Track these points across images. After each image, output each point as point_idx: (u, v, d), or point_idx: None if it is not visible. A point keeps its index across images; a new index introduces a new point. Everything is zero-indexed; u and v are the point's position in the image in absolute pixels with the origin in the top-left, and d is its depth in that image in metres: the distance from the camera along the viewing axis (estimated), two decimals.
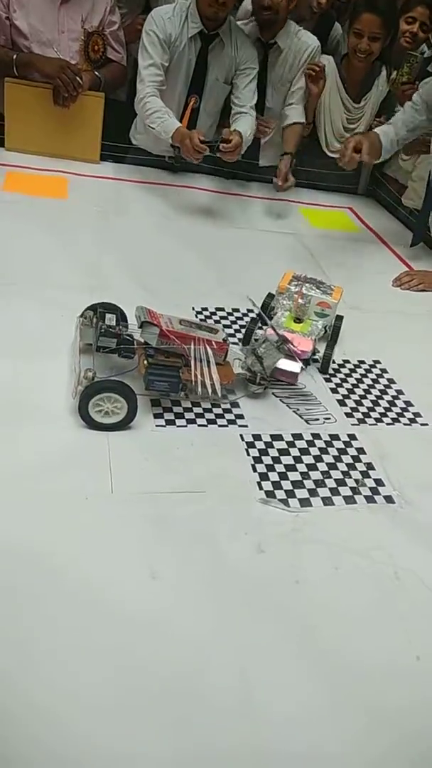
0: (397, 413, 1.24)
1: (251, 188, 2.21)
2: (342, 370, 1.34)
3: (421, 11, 2.05)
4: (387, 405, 1.25)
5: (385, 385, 1.31)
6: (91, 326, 1.13)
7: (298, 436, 1.12)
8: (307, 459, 1.07)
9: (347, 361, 1.37)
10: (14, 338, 1.20)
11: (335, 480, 1.04)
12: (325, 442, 1.12)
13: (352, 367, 1.36)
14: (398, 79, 2.02)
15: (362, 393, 1.28)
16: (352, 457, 1.10)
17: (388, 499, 1.02)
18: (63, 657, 0.72)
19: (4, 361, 1.13)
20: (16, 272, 1.43)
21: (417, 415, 1.24)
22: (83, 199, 1.86)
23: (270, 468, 1.04)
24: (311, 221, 2.09)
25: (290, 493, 1.00)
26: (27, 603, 0.76)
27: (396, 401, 1.27)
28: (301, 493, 1.00)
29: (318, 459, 1.08)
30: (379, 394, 1.28)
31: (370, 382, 1.31)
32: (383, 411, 1.23)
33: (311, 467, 1.06)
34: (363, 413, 1.22)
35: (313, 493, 1.01)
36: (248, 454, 1.06)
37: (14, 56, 1.92)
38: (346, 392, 1.27)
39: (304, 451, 1.09)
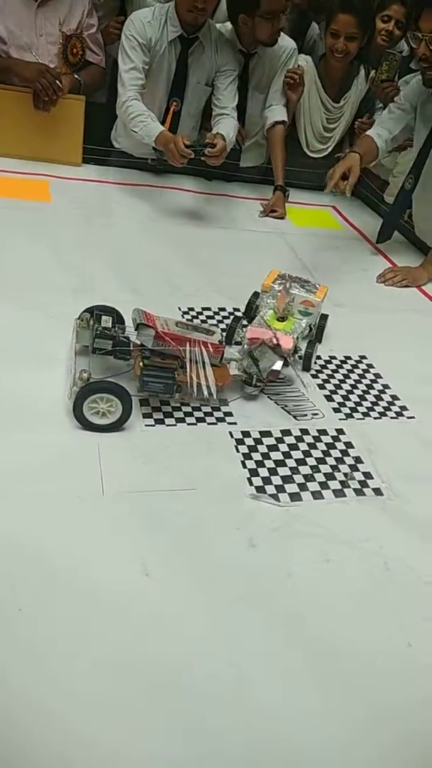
0: (383, 407, 1.25)
1: (233, 188, 2.22)
2: (329, 366, 1.35)
3: (396, 9, 2.08)
4: (374, 399, 1.27)
5: (371, 380, 1.33)
6: (88, 328, 1.14)
7: (286, 432, 1.13)
8: (296, 454, 1.08)
9: (333, 357, 1.38)
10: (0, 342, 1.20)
11: (324, 474, 1.05)
12: (313, 437, 1.13)
13: (339, 363, 1.37)
14: (378, 78, 2.04)
15: (349, 388, 1.29)
16: (341, 451, 1.11)
17: (377, 491, 1.04)
18: (57, 655, 0.72)
19: None
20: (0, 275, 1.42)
21: (403, 408, 1.25)
22: (66, 201, 1.86)
23: (260, 464, 1.05)
24: (295, 220, 2.10)
25: (280, 488, 1.01)
26: (20, 604, 0.76)
27: (383, 395, 1.28)
28: (291, 488, 1.01)
29: (307, 454, 1.09)
30: (365, 388, 1.30)
31: (357, 378, 1.33)
32: (370, 405, 1.25)
33: (300, 462, 1.07)
34: (350, 408, 1.23)
35: (302, 487, 1.02)
36: (237, 451, 1.07)
37: None
38: (333, 388, 1.28)
39: (293, 447, 1.10)
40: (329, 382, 1.30)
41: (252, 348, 1.16)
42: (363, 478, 1.06)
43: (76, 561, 0.83)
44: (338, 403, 1.24)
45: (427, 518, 1.00)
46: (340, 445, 1.12)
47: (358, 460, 1.09)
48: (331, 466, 1.07)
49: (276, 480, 1.02)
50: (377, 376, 1.34)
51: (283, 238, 1.97)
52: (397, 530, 0.97)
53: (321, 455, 1.09)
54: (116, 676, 0.71)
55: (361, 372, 1.35)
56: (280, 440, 1.11)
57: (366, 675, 0.77)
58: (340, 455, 1.10)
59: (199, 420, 1.12)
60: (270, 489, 1.00)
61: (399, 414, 1.24)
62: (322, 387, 1.28)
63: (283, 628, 0.80)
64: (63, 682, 0.70)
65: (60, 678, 0.70)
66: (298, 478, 1.03)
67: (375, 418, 1.21)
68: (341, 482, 1.04)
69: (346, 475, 1.06)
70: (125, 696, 0.69)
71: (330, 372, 1.33)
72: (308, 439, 1.12)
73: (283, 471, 1.04)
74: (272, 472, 1.03)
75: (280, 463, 1.05)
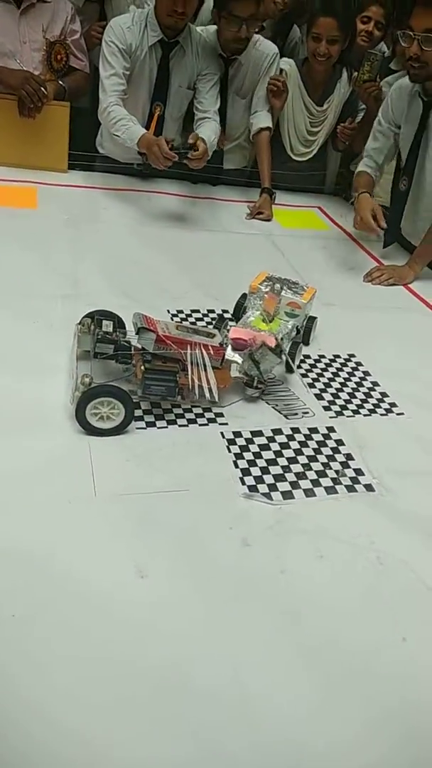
0: (373, 404, 1.26)
1: (220, 192, 2.24)
2: (318, 364, 1.36)
3: (375, 10, 2.11)
4: (363, 397, 1.28)
5: (360, 378, 1.34)
6: (89, 333, 1.15)
7: (277, 431, 1.13)
8: (288, 453, 1.09)
9: (323, 356, 1.39)
10: None
11: (316, 472, 1.06)
12: (304, 435, 1.14)
13: (328, 361, 1.38)
14: (360, 78, 2.06)
15: (339, 386, 1.30)
16: (332, 448, 1.12)
17: (368, 487, 1.04)
18: (53, 658, 0.72)
19: None
20: None
21: (393, 405, 1.27)
22: (53, 208, 1.86)
23: (252, 463, 1.05)
24: (281, 222, 2.12)
25: (272, 487, 1.01)
26: (14, 608, 0.76)
27: (372, 393, 1.29)
28: (283, 486, 1.02)
29: (298, 452, 1.09)
30: (355, 386, 1.31)
31: (346, 376, 1.34)
32: (360, 403, 1.26)
33: (292, 461, 1.07)
34: (340, 406, 1.24)
35: (294, 485, 1.02)
36: (229, 451, 1.07)
37: None
38: (323, 386, 1.29)
39: (285, 446, 1.10)
40: (319, 381, 1.31)
41: (253, 350, 1.17)
42: (354, 475, 1.06)
43: (70, 564, 0.83)
44: (328, 402, 1.25)
45: (418, 513, 1.01)
46: (331, 443, 1.13)
47: (349, 457, 1.10)
48: (323, 464, 1.08)
49: (268, 479, 1.03)
50: (366, 373, 1.35)
51: (271, 239, 1.98)
52: (389, 525, 0.97)
53: (312, 453, 1.10)
54: (113, 678, 0.71)
55: (350, 370, 1.36)
56: (271, 439, 1.11)
57: (362, 670, 0.77)
58: (331, 453, 1.10)
59: (191, 421, 1.12)
60: (262, 488, 1.01)
61: (388, 411, 1.25)
62: (312, 386, 1.29)
63: (279, 626, 0.80)
64: (59, 685, 0.69)
65: (56, 680, 0.70)
66: (290, 477, 1.04)
67: (365, 416, 1.22)
68: (333, 479, 1.05)
69: (337, 472, 1.06)
70: (124, 699, 0.69)
71: (319, 371, 1.34)
72: (299, 437, 1.13)
73: (275, 470, 1.05)
74: (264, 471, 1.04)
75: (272, 462, 1.06)
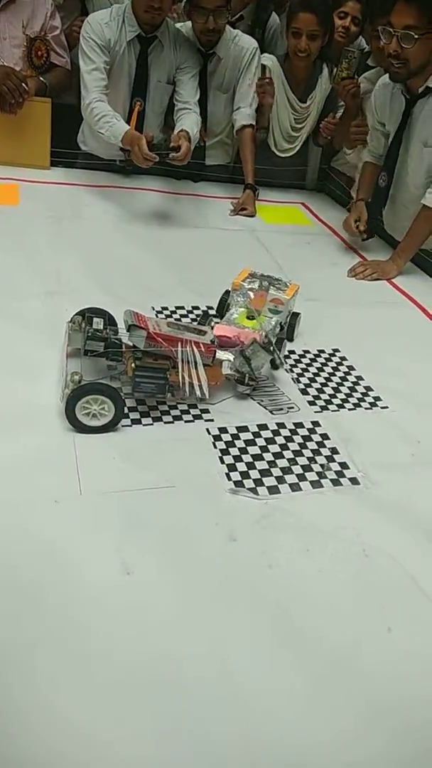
0: (358, 398, 1.27)
1: (203, 188, 2.23)
2: (303, 359, 1.37)
3: (352, 6, 2.11)
4: (348, 391, 1.29)
5: (345, 373, 1.34)
6: (80, 331, 1.14)
7: (263, 427, 1.14)
8: (273, 448, 1.09)
9: (307, 351, 1.40)
10: None
11: (302, 466, 1.06)
12: (289, 430, 1.14)
13: (313, 356, 1.39)
14: (338, 75, 2.06)
15: (323, 381, 1.31)
16: (317, 443, 1.12)
17: (353, 480, 1.05)
18: (41, 656, 0.72)
19: None
20: None
21: (377, 399, 1.27)
22: (35, 205, 1.85)
23: (237, 459, 1.05)
24: (265, 218, 2.12)
25: (258, 482, 1.01)
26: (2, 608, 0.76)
27: (356, 387, 1.30)
28: (269, 481, 1.02)
29: (284, 447, 1.10)
30: (339, 381, 1.31)
31: (331, 371, 1.35)
32: (344, 397, 1.27)
33: (278, 456, 1.08)
34: (325, 400, 1.24)
35: (280, 480, 1.03)
36: (215, 447, 1.07)
37: None
38: (308, 381, 1.30)
39: (270, 441, 1.11)
40: (303, 376, 1.31)
41: (244, 347, 1.17)
42: (339, 469, 1.07)
43: (56, 562, 0.82)
44: (313, 396, 1.25)
45: (403, 505, 1.02)
46: (316, 437, 1.13)
47: (334, 451, 1.11)
48: (308, 458, 1.08)
49: (254, 474, 1.03)
50: (350, 368, 1.36)
51: (254, 235, 1.98)
52: (375, 518, 0.98)
53: (298, 448, 1.10)
54: (102, 674, 0.71)
55: (335, 365, 1.37)
56: (257, 435, 1.12)
57: (349, 663, 0.78)
58: (316, 447, 1.11)
59: (176, 418, 1.12)
60: (248, 483, 1.01)
61: (373, 404, 1.26)
62: (296, 381, 1.29)
63: (267, 620, 0.81)
64: (43, 682, 0.69)
65: (40, 677, 0.70)
66: (276, 471, 1.04)
67: (349, 410, 1.23)
68: (318, 473, 1.05)
69: (322, 466, 1.07)
70: (109, 693, 0.69)
71: (304, 366, 1.35)
72: (285, 432, 1.13)
73: (261, 465, 1.05)
74: (250, 466, 1.04)
75: (257, 458, 1.06)
